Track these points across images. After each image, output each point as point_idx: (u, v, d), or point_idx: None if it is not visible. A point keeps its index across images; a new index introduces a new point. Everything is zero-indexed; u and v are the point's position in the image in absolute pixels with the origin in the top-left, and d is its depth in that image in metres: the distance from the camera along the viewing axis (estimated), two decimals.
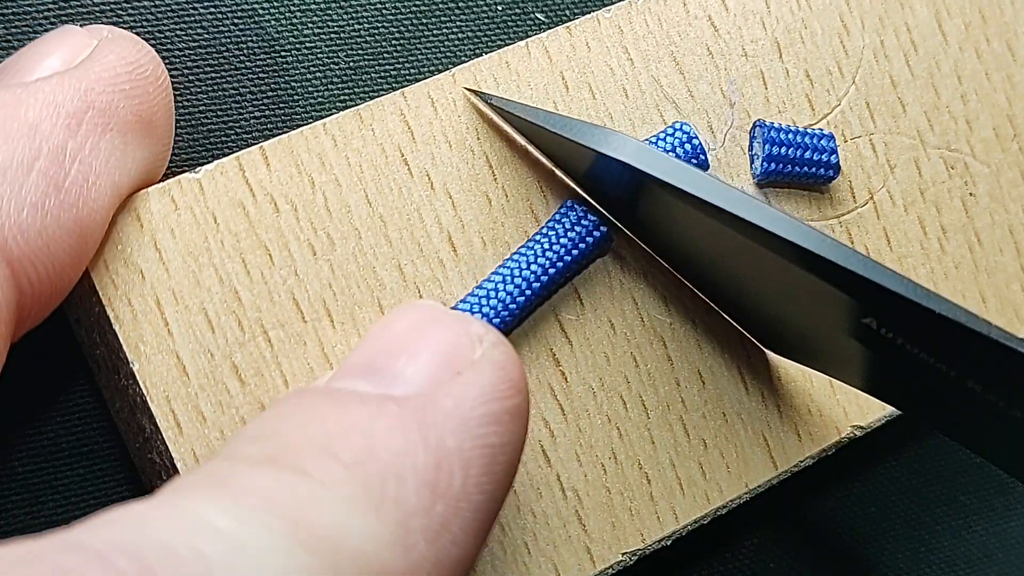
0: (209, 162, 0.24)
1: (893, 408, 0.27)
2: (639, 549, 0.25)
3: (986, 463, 0.32)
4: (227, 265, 0.23)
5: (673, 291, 0.26)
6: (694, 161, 0.26)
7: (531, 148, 0.25)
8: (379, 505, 0.19)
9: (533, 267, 0.24)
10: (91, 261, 0.23)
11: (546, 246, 0.25)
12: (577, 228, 0.25)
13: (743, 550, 0.31)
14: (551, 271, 0.25)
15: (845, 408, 0.27)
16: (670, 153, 0.26)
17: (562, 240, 0.25)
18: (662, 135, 0.26)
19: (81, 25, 0.26)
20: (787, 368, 0.26)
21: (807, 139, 0.26)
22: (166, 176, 0.26)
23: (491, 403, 0.20)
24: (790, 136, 0.26)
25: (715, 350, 0.26)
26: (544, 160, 0.25)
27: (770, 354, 0.26)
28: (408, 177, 0.24)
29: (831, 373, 0.25)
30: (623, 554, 0.25)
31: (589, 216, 0.25)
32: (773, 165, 0.26)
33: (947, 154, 0.28)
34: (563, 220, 0.25)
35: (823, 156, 0.26)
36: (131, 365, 0.23)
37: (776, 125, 0.26)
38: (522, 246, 0.25)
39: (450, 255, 0.25)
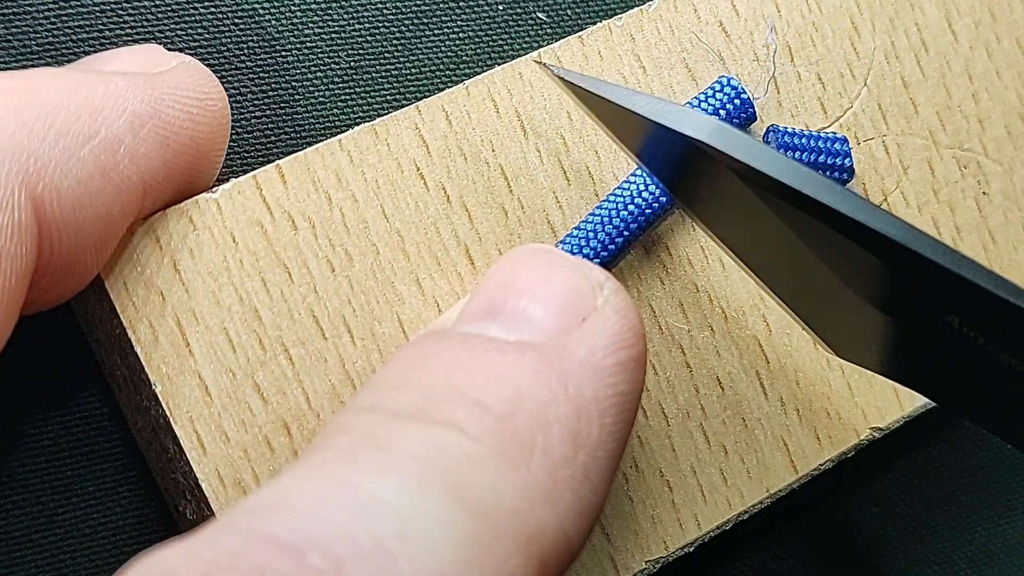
0: None
1: (910, 410, 0.28)
2: (662, 557, 0.26)
3: (987, 464, 0.33)
4: (246, 284, 0.24)
5: (690, 298, 0.26)
6: (743, 115, 0.26)
7: (597, 122, 0.25)
8: (529, 458, 0.19)
9: (630, 207, 0.25)
10: (111, 283, 0.23)
11: (641, 187, 0.25)
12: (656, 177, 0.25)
13: (743, 552, 0.31)
14: (647, 212, 0.25)
15: (864, 410, 0.27)
16: (721, 110, 0.26)
17: (644, 194, 0.25)
18: (709, 92, 0.26)
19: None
20: (805, 372, 0.27)
21: (821, 143, 0.27)
22: None
23: (619, 351, 0.21)
24: (804, 140, 0.26)
25: (733, 356, 0.26)
26: (606, 132, 0.25)
27: (789, 361, 0.27)
28: (424, 191, 0.25)
29: (875, 366, 0.25)
30: (646, 562, 0.26)
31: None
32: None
33: (960, 154, 0.28)
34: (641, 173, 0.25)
35: (837, 160, 0.27)
36: (153, 386, 0.23)
37: (790, 130, 0.27)
38: (616, 188, 0.25)
39: (468, 268, 0.25)
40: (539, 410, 0.20)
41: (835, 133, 0.27)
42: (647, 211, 0.25)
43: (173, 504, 0.25)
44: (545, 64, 0.25)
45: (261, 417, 0.23)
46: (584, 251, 0.25)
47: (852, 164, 0.27)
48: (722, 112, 0.26)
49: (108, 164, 0.21)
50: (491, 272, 0.23)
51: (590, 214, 0.25)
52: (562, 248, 0.25)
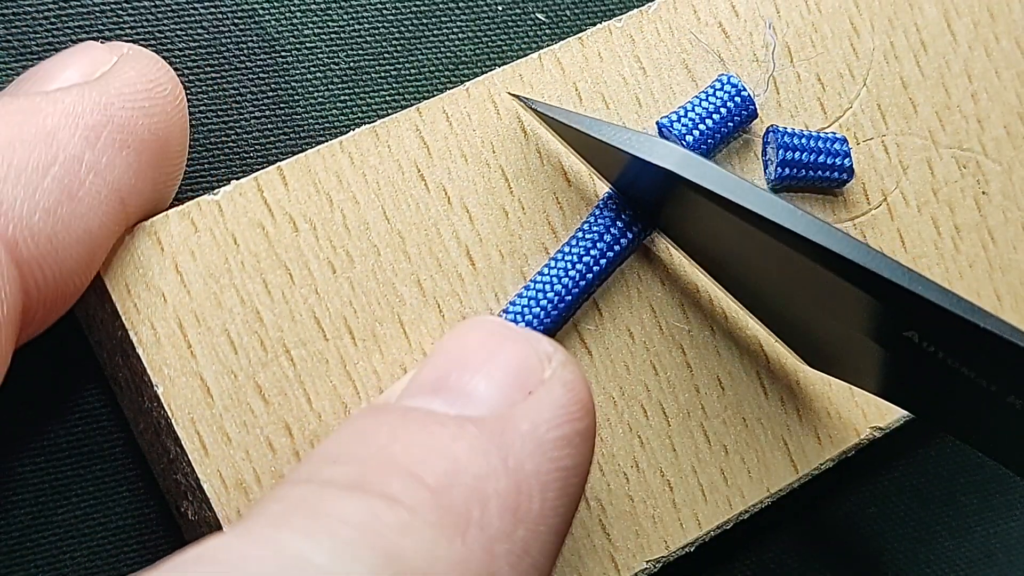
0: (209, 162, 0.25)
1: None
2: (663, 556, 0.26)
3: (986, 463, 0.33)
4: (248, 286, 0.24)
5: (691, 298, 0.26)
6: (744, 112, 0.26)
7: (570, 151, 0.25)
8: (465, 531, 0.19)
9: (579, 266, 0.25)
10: (112, 285, 0.23)
11: (588, 245, 0.25)
12: (619, 223, 0.25)
13: (743, 552, 0.31)
14: (595, 268, 0.25)
15: (864, 410, 0.27)
16: (722, 108, 0.26)
17: (605, 237, 0.25)
18: (709, 90, 0.26)
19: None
20: (805, 372, 0.27)
21: (820, 143, 0.27)
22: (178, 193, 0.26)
23: (564, 425, 0.21)
24: (803, 141, 0.27)
25: (734, 356, 0.27)
26: (581, 163, 0.26)
27: (788, 360, 0.27)
28: (425, 192, 0.25)
29: (851, 379, 0.26)
30: (647, 562, 0.26)
31: (627, 211, 0.25)
32: (787, 170, 0.27)
33: (959, 153, 0.29)
34: (602, 217, 0.25)
35: (837, 160, 0.27)
36: (155, 388, 0.23)
37: (789, 130, 0.27)
38: (564, 245, 0.25)
39: (468, 269, 0.25)
40: (476, 484, 0.19)
41: (835, 133, 0.27)
42: (594, 268, 0.25)
43: (175, 505, 0.25)
44: (518, 96, 0.25)
45: (263, 418, 0.24)
46: (532, 312, 0.25)
47: (852, 164, 0.27)
48: (723, 110, 0.26)
49: (73, 185, 0.21)
50: (439, 345, 0.23)
51: (538, 274, 0.25)
52: (506, 317, 0.25)
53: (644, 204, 0.25)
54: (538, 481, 0.20)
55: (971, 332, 0.22)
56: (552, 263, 0.25)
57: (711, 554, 0.29)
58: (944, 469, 0.33)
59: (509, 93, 0.25)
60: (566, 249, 0.25)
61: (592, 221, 0.26)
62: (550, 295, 0.25)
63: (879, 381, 0.25)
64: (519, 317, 0.25)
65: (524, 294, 0.25)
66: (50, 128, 0.21)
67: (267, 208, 0.24)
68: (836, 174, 0.27)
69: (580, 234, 0.25)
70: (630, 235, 0.25)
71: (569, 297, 0.25)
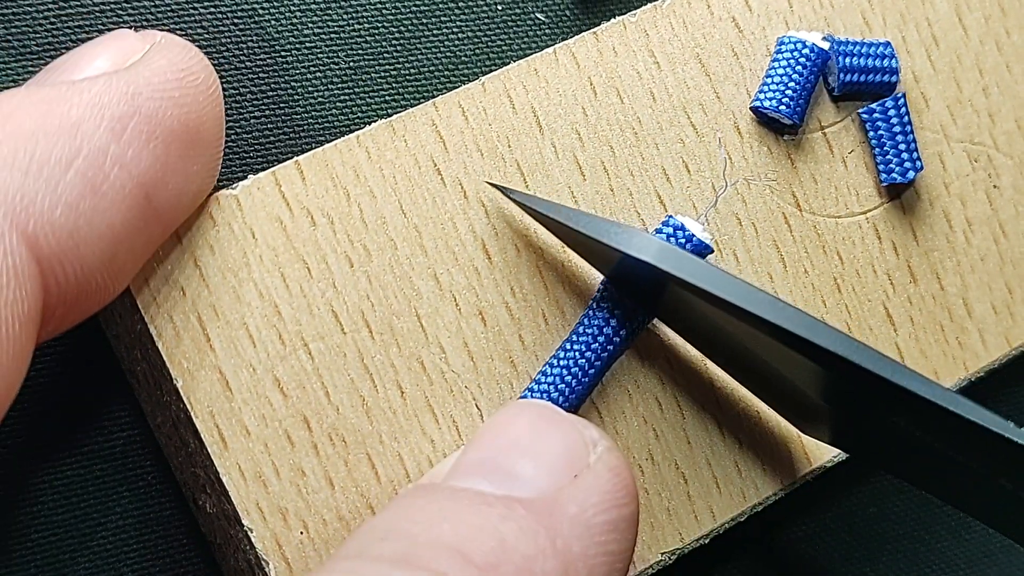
0: None
1: None
2: (678, 548, 0.26)
3: None
4: (266, 280, 0.24)
5: None
6: (819, 61, 0.28)
7: (554, 238, 0.26)
8: None
9: (587, 353, 0.26)
10: (132, 280, 0.23)
11: (596, 332, 0.26)
12: (619, 308, 0.26)
13: (743, 552, 0.31)
14: (604, 355, 0.26)
15: None
16: (798, 67, 0.27)
17: (611, 322, 0.26)
18: (779, 57, 0.28)
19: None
20: None
21: (870, 48, 0.28)
22: None
23: (611, 511, 0.22)
24: (857, 47, 0.28)
25: None
26: (569, 251, 0.26)
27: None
28: (441, 186, 0.26)
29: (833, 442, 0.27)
30: (662, 554, 0.26)
31: (622, 302, 0.26)
32: (848, 76, 0.28)
33: (970, 147, 0.29)
34: (605, 302, 0.26)
35: (885, 62, 0.28)
36: (174, 381, 0.24)
37: (840, 38, 0.28)
38: (572, 332, 0.26)
39: (485, 263, 0.26)
40: (524, 563, 0.20)
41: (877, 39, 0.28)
42: (603, 354, 0.26)
43: (192, 498, 0.26)
44: (502, 188, 0.25)
45: (281, 411, 0.24)
46: (551, 396, 0.25)
47: (899, 66, 0.28)
48: (800, 69, 0.27)
49: (97, 179, 0.21)
50: (485, 427, 0.23)
51: (546, 365, 0.26)
52: (529, 395, 0.26)
53: (634, 289, 0.26)
54: (585, 564, 0.21)
55: (956, 424, 0.22)
56: (558, 355, 0.26)
57: (710, 554, 0.29)
58: None
59: (487, 183, 0.26)
60: (573, 337, 0.26)
61: (593, 308, 0.26)
62: (561, 386, 0.25)
63: (850, 443, 0.26)
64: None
65: (540, 381, 0.26)
66: (75, 119, 0.21)
67: (285, 202, 0.25)
68: (887, 77, 0.28)
69: (585, 319, 0.26)
70: (627, 326, 0.26)
71: (579, 387, 0.26)
